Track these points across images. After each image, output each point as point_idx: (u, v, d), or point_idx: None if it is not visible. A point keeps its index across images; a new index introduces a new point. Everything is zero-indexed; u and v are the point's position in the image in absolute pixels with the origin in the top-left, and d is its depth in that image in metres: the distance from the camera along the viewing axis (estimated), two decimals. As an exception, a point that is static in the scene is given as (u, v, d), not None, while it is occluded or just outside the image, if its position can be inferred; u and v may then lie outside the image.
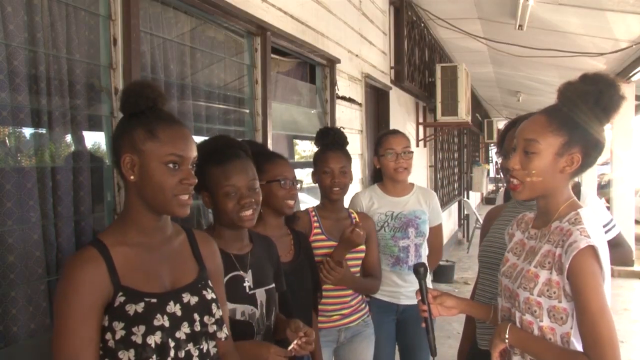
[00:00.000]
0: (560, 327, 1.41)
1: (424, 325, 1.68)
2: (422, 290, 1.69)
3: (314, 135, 2.53)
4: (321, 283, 2.19)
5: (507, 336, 1.48)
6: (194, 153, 1.32)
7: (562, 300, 1.40)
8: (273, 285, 1.78)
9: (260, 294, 1.72)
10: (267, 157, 2.07)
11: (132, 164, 1.27)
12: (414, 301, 1.76)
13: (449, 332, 4.79)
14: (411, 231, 2.65)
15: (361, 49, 4.44)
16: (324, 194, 2.41)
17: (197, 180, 1.31)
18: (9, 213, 1.47)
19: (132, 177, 1.27)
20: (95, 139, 1.86)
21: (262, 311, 1.71)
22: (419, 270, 1.71)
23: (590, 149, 1.44)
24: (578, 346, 1.41)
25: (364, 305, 2.47)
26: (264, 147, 2.19)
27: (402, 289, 2.67)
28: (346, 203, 2.55)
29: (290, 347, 1.61)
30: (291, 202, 2.04)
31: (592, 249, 1.36)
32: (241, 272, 1.69)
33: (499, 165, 2.27)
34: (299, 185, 2.08)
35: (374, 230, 2.54)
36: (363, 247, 2.37)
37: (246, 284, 1.69)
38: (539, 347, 1.43)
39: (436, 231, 2.82)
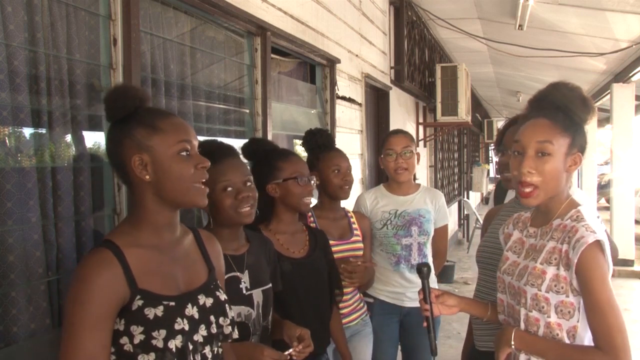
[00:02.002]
0: (567, 321, 1.45)
1: (425, 324, 1.69)
2: (425, 290, 1.71)
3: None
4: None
5: (512, 342, 1.51)
6: (196, 139, 1.30)
7: (570, 295, 1.44)
8: (270, 285, 1.77)
9: (257, 294, 1.71)
10: (280, 154, 2.06)
11: (144, 163, 1.21)
12: (418, 303, 1.77)
13: (448, 332, 4.79)
14: (414, 229, 2.63)
15: (361, 49, 4.44)
16: (332, 193, 2.38)
17: (209, 163, 1.28)
18: (9, 213, 1.47)
19: (147, 177, 1.22)
20: (95, 139, 1.86)
21: (258, 312, 1.70)
22: (422, 269, 1.72)
23: (584, 149, 1.54)
24: (585, 340, 1.44)
25: (362, 304, 2.47)
26: (275, 144, 2.15)
27: (406, 291, 2.65)
28: (346, 203, 2.55)
29: (287, 352, 1.61)
30: (308, 200, 2.02)
31: (598, 244, 1.41)
32: (237, 273, 1.68)
33: (497, 163, 2.28)
34: (313, 182, 2.05)
35: (369, 230, 2.56)
36: (361, 244, 2.40)
37: (242, 285, 1.68)
38: (549, 348, 1.46)
39: (441, 232, 2.77)
